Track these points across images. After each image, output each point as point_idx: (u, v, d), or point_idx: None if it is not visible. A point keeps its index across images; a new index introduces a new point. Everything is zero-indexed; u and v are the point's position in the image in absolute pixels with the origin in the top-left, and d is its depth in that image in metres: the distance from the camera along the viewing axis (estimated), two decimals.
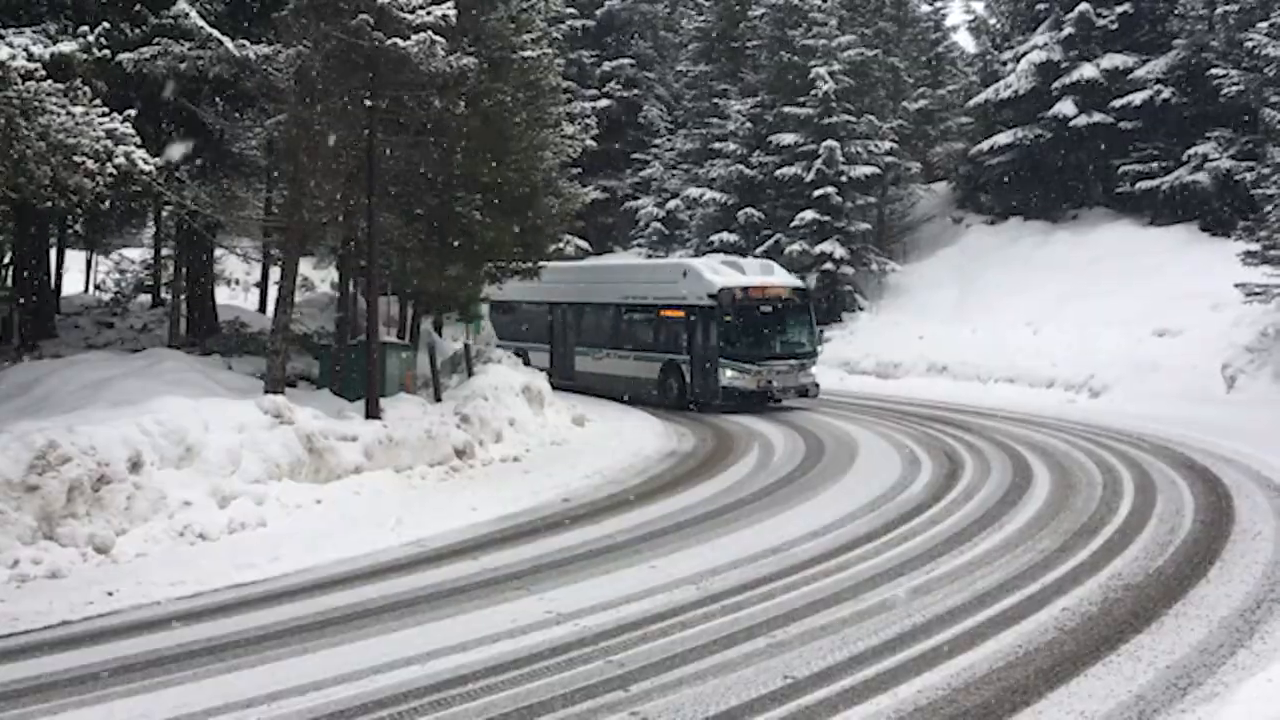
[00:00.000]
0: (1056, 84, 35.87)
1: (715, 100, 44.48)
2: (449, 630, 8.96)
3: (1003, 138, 37.43)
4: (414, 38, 16.04)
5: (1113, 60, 35.43)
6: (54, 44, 14.37)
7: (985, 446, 18.56)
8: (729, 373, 24.13)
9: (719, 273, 25.09)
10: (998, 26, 43.19)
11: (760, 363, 24.28)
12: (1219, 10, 32.54)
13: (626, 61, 49.98)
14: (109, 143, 13.60)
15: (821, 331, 25.65)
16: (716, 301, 24.18)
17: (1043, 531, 12.08)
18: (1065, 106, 35.55)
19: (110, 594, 10.36)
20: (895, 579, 10.21)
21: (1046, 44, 36.60)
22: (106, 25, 15.38)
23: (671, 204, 44.21)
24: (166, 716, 7.23)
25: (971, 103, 39.98)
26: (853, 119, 37.62)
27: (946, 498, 14.27)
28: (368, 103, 17.13)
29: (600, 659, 8.10)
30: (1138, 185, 34.13)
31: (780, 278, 25.91)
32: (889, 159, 38.60)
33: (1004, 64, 39.02)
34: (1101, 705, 7.05)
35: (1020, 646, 8.18)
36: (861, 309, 36.97)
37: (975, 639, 8.36)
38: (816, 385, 25.05)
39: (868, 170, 37.50)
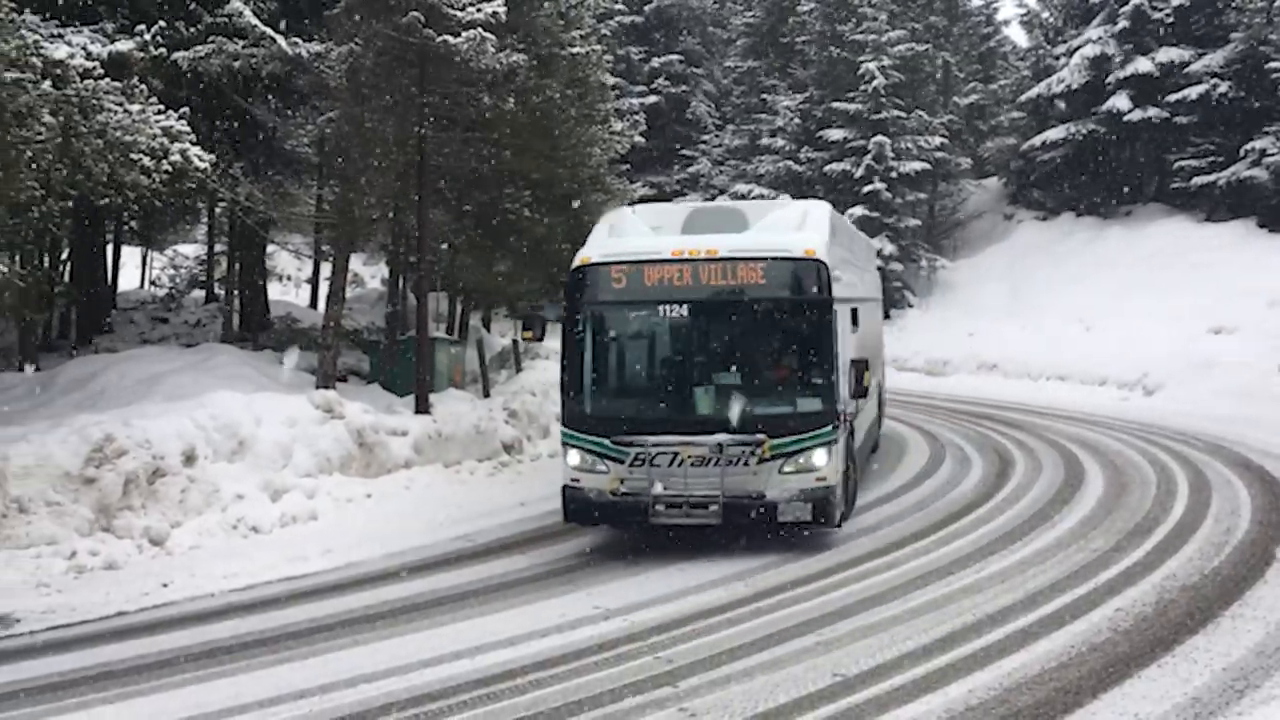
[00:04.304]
0: (1110, 78, 35.44)
1: (764, 96, 44.37)
2: (497, 625, 9.00)
3: (1055, 133, 37.04)
4: (464, 35, 16.13)
5: (1168, 54, 34.95)
6: (112, 43, 14.64)
7: (1036, 445, 18.37)
8: (573, 458, 11.56)
9: (618, 232, 12.40)
10: (1050, 20, 42.75)
11: (625, 443, 11.20)
12: (1277, 3, 32.00)
13: (675, 57, 49.94)
14: (165, 140, 13.82)
15: (862, 367, 11.56)
16: (567, 299, 11.88)
17: (1095, 531, 11.93)
18: (1119, 101, 35.11)
19: (165, 585, 10.52)
20: (945, 578, 10.11)
21: (1100, 38, 36.16)
22: (162, 24, 15.60)
23: (719, 200, 44.09)
24: (221, 707, 7.32)
25: (1023, 97, 39.59)
26: (903, 114, 37.41)
27: (997, 496, 14.13)
28: (418, 100, 17.23)
29: (648, 655, 8.10)
30: (1193, 180, 33.65)
31: (734, 240, 11.64)
32: (939, 154, 38.34)
33: (1056, 58, 38.60)
34: (1156, 707, 6.95)
35: (1073, 647, 8.08)
36: (911, 305, 36.75)
37: (1027, 639, 8.27)
38: (827, 499, 11.15)
39: (917, 166, 37.26)
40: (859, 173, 37.00)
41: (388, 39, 16.39)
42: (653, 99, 47.33)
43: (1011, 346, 30.14)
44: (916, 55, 38.64)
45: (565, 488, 11.60)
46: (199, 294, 31.88)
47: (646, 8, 50.22)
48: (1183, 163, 34.15)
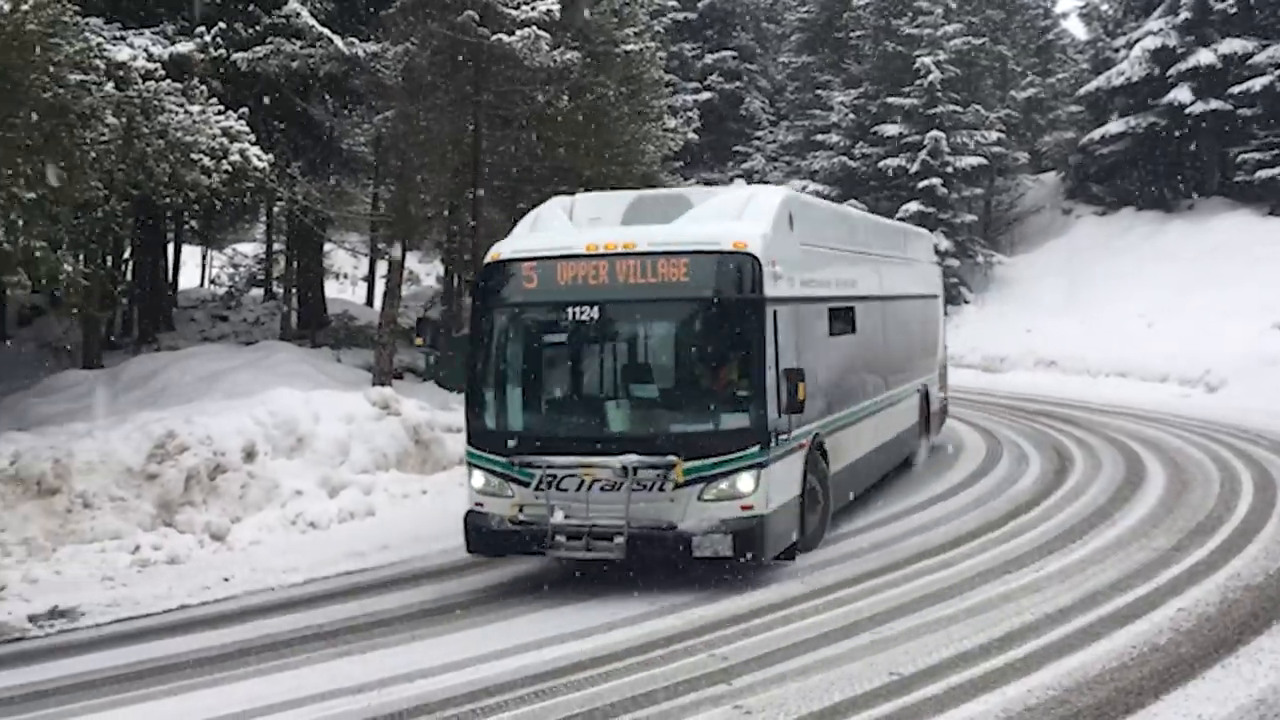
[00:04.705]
0: (1172, 70, 34.89)
1: (818, 91, 44.19)
2: (554, 621, 9.01)
3: (1115, 126, 36.56)
4: (518, 33, 16.23)
5: (1231, 45, 34.33)
6: (172, 44, 14.85)
7: (1095, 442, 18.13)
8: (478, 480, 10.24)
9: (541, 225, 11.18)
10: (1110, 12, 42.18)
11: (526, 464, 9.87)
12: None
13: (728, 53, 49.81)
14: (224, 140, 14.04)
15: (796, 378, 9.63)
16: (474, 301, 10.93)
17: (1157, 529, 11.75)
18: (1181, 93, 34.55)
19: (226, 579, 10.67)
20: (1002, 576, 10.01)
21: (1161, 29, 35.61)
22: (222, 26, 15.81)
23: None
24: (280, 700, 7.40)
25: (1082, 91, 39.14)
26: (959, 109, 37.08)
27: (1056, 494, 13.96)
28: (473, 98, 17.35)
29: (703, 652, 8.09)
30: (1257, 174, 33.08)
31: (657, 232, 10.21)
32: (996, 149, 37.98)
33: (1116, 50, 38.11)
34: (1220, 709, 6.84)
35: (1134, 647, 7.97)
36: (967, 302, 36.42)
37: (1087, 638, 8.16)
38: (753, 531, 9.56)
39: (974, 161, 36.95)
40: (914, 168, 36.72)
41: (443, 38, 16.54)
42: (706, 95, 47.21)
43: (1070, 342, 29.77)
44: (973, 49, 38.29)
45: (468, 514, 10.20)
46: (257, 292, 32.28)
47: (700, 4, 50.09)
48: (1246, 156, 33.60)
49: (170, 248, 28.94)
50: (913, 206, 35.91)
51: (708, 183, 43.72)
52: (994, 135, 37.73)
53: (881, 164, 37.83)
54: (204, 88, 14.29)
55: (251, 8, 17.72)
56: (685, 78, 46.37)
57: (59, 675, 8.24)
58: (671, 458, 9.52)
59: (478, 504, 10.18)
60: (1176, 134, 35.42)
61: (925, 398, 16.65)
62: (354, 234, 29.39)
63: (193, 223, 30.95)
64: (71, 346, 20.80)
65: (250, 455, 13.12)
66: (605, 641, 8.44)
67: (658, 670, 7.73)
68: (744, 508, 9.58)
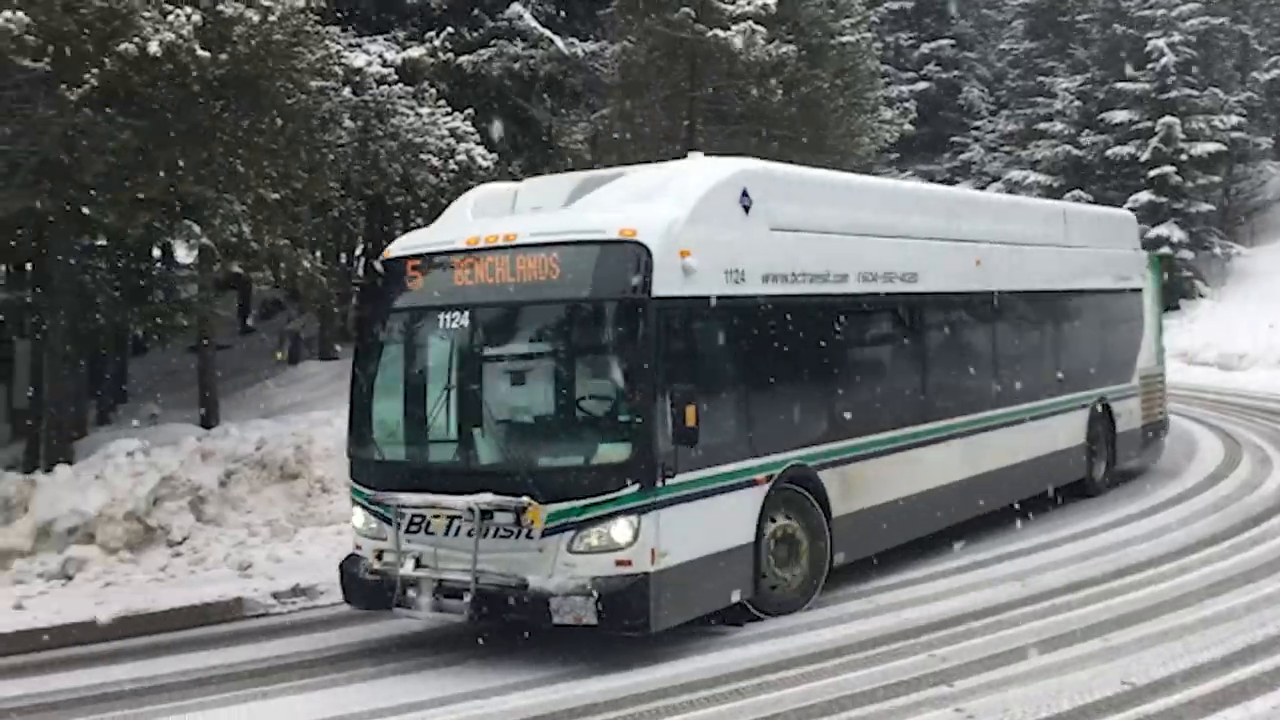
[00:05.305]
0: None
1: (1041, 78, 42.75)
2: (766, 619, 8.99)
3: None
4: (734, 28, 16.29)
5: None
6: (403, 50, 15.51)
7: None
8: (358, 519, 8.80)
9: (452, 215, 9.87)
10: None
11: (379, 500, 8.41)
12: None
13: (946, 42, 48.73)
14: (452, 140, 14.57)
15: (685, 401, 7.65)
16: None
17: None
18: None
19: None
20: (1243, 585, 9.48)
21: None
22: (449, 30, 16.43)
23: (992, 188, 42.78)
24: (500, 684, 7.59)
25: None
26: (1194, 93, 35.24)
27: None
28: (688, 94, 17.52)
29: (922, 653, 7.95)
30: None
31: (544, 220, 8.63)
32: (1236, 134, 35.90)
33: None
34: None
35: None
36: (1202, 296, 34.57)
37: None
38: (628, 593, 7.62)
39: (1211, 147, 35.03)
40: (1145, 156, 35.10)
41: (659, 35, 16.74)
42: (922, 85, 46.32)
43: None
44: (1211, 29, 36.32)
45: (345, 558, 8.89)
46: None
47: None
48: None
49: None
50: (1143, 196, 34.35)
51: (923, 173, 42.77)
52: (1233, 120, 35.72)
53: (1109, 152, 36.32)
54: (433, 90, 14.90)
55: (476, 12, 18.34)
56: (901, 68, 45.64)
57: (300, 649, 8.79)
58: (525, 499, 7.75)
59: (357, 546, 8.82)
60: None
61: (1105, 413, 14.03)
62: None
63: (419, 220, 32.15)
64: (310, 339, 21.95)
65: None
66: (819, 639, 8.36)
67: (876, 669, 7.62)
68: (619, 564, 7.70)
